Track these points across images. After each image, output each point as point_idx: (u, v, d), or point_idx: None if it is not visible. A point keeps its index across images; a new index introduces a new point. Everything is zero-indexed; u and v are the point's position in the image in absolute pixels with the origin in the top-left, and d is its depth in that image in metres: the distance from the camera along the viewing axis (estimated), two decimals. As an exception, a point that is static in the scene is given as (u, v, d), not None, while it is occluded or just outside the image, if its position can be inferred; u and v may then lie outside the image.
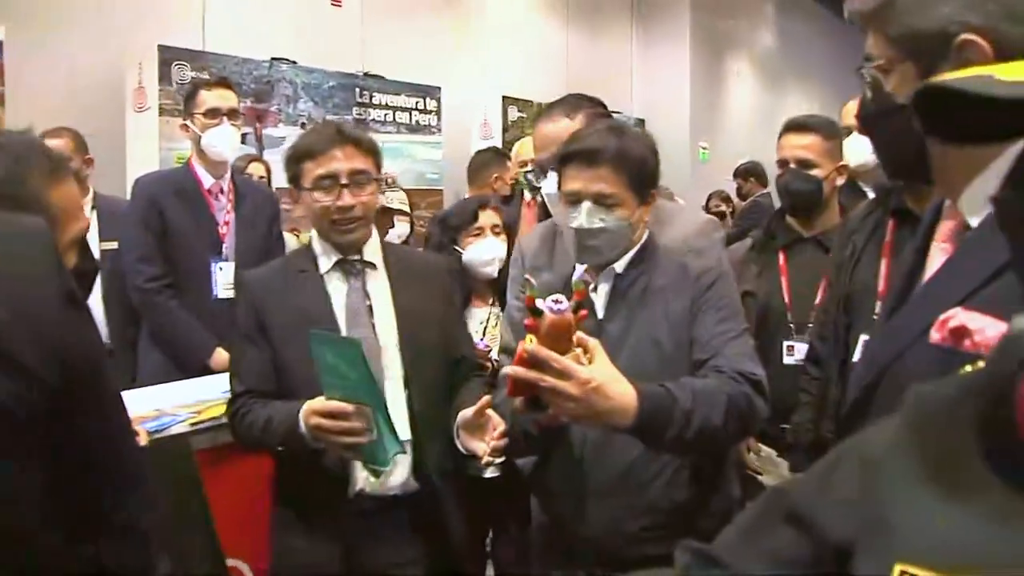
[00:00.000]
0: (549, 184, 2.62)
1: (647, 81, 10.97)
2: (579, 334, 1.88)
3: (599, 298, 2.25)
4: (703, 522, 2.09)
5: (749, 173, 8.28)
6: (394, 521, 2.41)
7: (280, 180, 6.02)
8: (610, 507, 2.14)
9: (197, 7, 6.19)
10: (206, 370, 3.66)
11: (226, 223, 3.91)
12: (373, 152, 2.48)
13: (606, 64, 10.28)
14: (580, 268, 2.04)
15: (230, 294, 3.67)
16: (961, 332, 1.13)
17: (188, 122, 3.94)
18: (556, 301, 1.83)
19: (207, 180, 3.90)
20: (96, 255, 2.95)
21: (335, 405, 2.17)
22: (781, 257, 3.36)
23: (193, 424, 2.79)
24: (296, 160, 2.47)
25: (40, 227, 0.79)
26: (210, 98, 3.91)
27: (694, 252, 2.37)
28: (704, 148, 11.15)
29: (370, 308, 2.46)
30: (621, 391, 1.89)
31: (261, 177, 5.12)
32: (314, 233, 2.54)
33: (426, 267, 2.66)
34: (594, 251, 2.20)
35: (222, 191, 3.94)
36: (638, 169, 2.20)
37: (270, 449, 2.45)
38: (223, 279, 3.82)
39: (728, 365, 2.09)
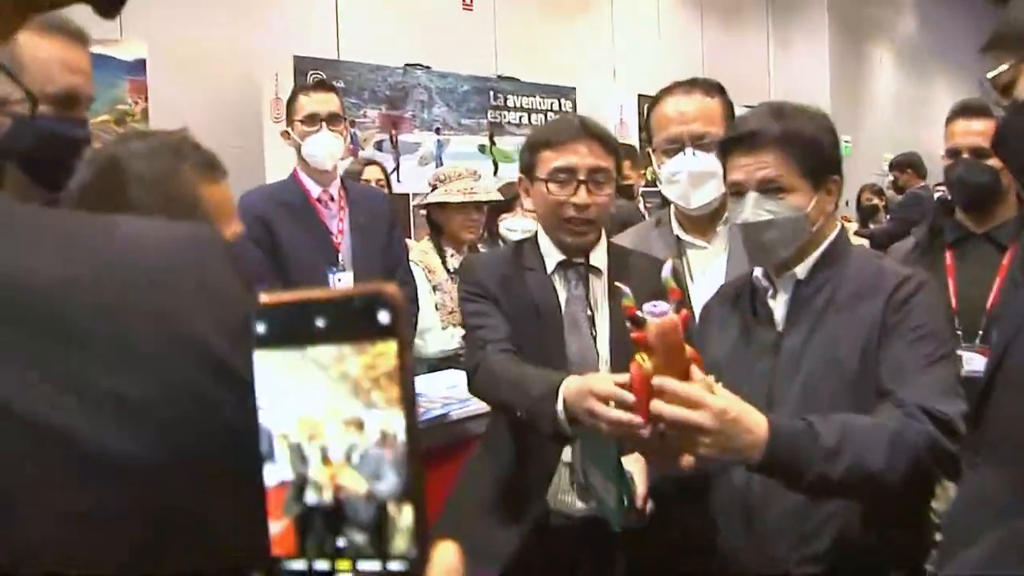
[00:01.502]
0: (676, 163, 2.45)
1: (785, 74, 10.61)
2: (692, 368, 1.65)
3: (778, 307, 1.99)
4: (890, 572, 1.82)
5: (906, 165, 7.90)
6: (573, 544, 2.21)
7: (405, 185, 6.13)
8: (773, 557, 1.86)
9: (330, 16, 6.19)
10: None
11: (340, 232, 3.68)
12: (615, 152, 2.29)
13: (742, 58, 9.97)
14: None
15: None
16: None
17: (289, 129, 3.75)
18: (653, 305, 1.65)
19: (314, 189, 3.67)
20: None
21: (624, 395, 1.76)
22: (948, 256, 3.03)
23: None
24: (533, 148, 2.28)
25: (213, 231, 0.67)
26: (308, 103, 3.70)
27: None
28: (847, 142, 10.70)
29: (591, 319, 2.24)
30: (757, 421, 1.64)
31: (379, 181, 4.90)
32: (540, 229, 2.35)
33: (648, 271, 2.24)
34: (765, 249, 1.95)
35: (332, 199, 3.70)
36: (810, 151, 1.94)
37: (507, 410, 2.17)
38: None
39: (912, 399, 1.74)
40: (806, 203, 1.93)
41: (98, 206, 1.43)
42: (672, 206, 2.61)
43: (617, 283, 1.77)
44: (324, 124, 3.63)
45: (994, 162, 2.89)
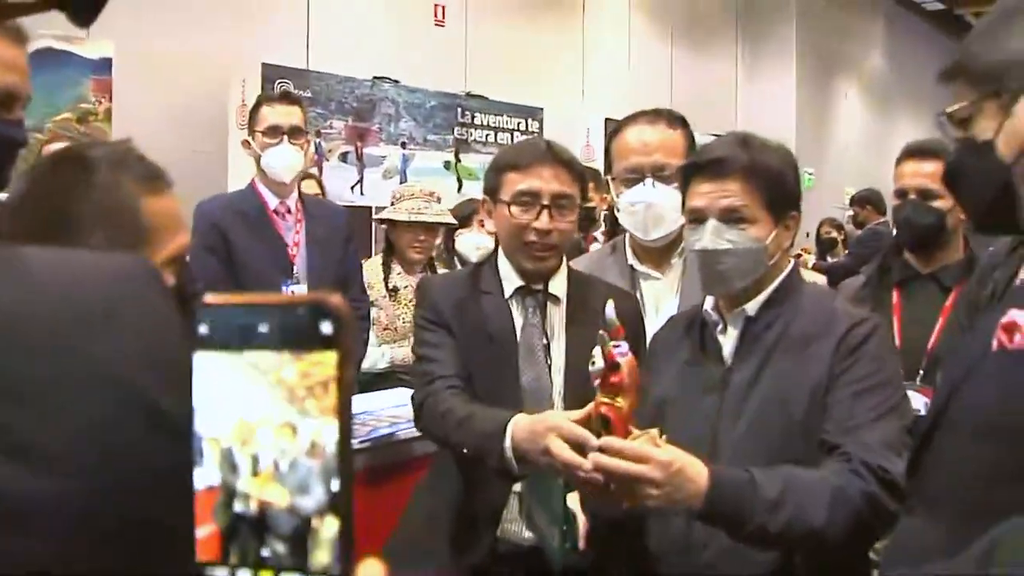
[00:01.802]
0: (636, 194, 2.42)
1: (752, 104, 10.71)
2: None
3: (727, 343, 1.94)
4: None
5: (866, 201, 7.95)
6: (519, 572, 2.20)
7: (369, 198, 6.11)
8: None
9: (301, 25, 6.17)
10: None
11: (296, 244, 3.63)
12: (581, 178, 2.24)
13: (710, 86, 10.06)
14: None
15: None
16: (1011, 327, 1.10)
17: (250, 138, 3.67)
18: (616, 346, 1.68)
19: (272, 200, 3.61)
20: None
21: (584, 435, 1.75)
22: (895, 295, 3.03)
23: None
24: (499, 170, 2.24)
25: (148, 265, 0.67)
26: (271, 115, 3.62)
27: None
28: (810, 174, 10.80)
29: (547, 347, 2.22)
30: (699, 471, 1.66)
31: (316, 195, 4.84)
32: (500, 252, 2.30)
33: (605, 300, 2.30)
34: (721, 278, 1.90)
35: (289, 211, 3.65)
36: (775, 184, 1.89)
37: (454, 447, 2.14)
38: None
39: (857, 455, 1.73)
40: (766, 235, 1.89)
41: (34, 218, 1.43)
42: (627, 235, 2.60)
43: (604, 324, 1.73)
44: (286, 137, 3.59)
45: (941, 204, 2.92)
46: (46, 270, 0.64)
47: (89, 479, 0.56)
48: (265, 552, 0.50)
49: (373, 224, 6.00)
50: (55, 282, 0.62)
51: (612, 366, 1.69)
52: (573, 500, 1.95)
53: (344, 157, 6.14)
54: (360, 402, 3.27)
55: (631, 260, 2.54)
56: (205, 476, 0.51)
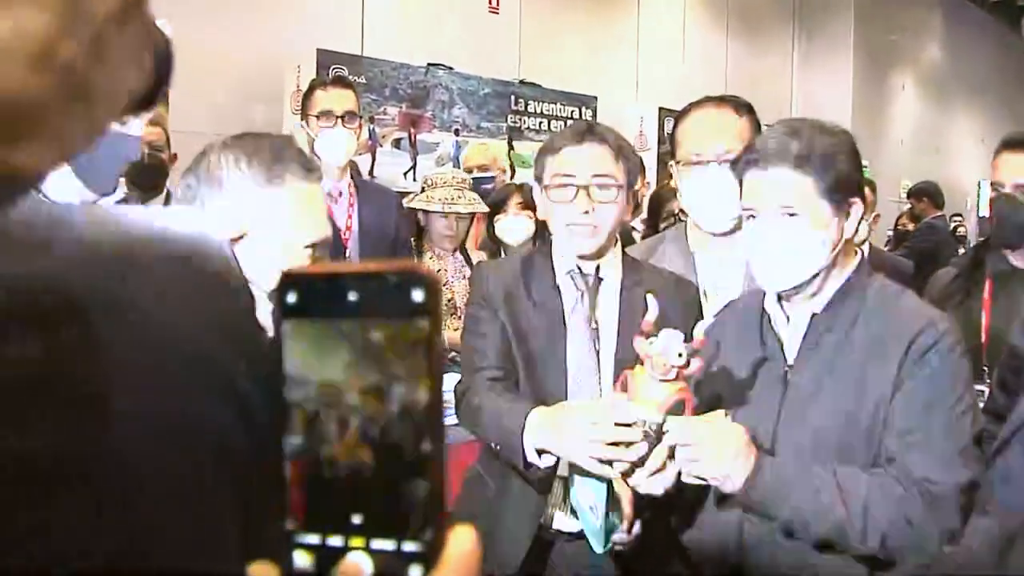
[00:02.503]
0: (699, 178, 2.41)
1: (807, 95, 10.58)
2: None
3: (789, 340, 1.89)
4: None
5: (923, 194, 7.82)
6: (566, 559, 2.17)
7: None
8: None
9: (356, 12, 6.17)
10: None
11: (348, 228, 3.64)
12: (625, 157, 2.20)
13: (765, 76, 9.94)
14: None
15: None
16: None
17: (303, 123, 3.72)
18: (674, 337, 1.76)
19: (325, 184, 3.64)
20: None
21: (609, 417, 1.82)
22: (987, 289, 2.98)
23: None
24: (541, 155, 2.25)
25: (216, 241, 0.68)
26: (325, 99, 3.65)
27: None
28: (865, 166, 10.65)
29: (596, 331, 2.19)
30: (752, 450, 1.74)
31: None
32: (553, 236, 2.30)
33: (667, 288, 2.22)
34: (780, 274, 1.85)
35: (341, 194, 3.66)
36: (828, 172, 1.82)
37: (485, 441, 2.18)
38: None
39: (909, 468, 1.71)
40: (823, 227, 1.82)
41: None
42: (688, 220, 2.57)
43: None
44: (339, 121, 3.60)
45: None
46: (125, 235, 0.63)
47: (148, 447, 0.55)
48: (356, 518, 0.49)
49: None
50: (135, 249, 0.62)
51: (694, 353, 1.73)
52: (618, 486, 1.93)
53: (397, 143, 6.14)
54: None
55: (693, 247, 2.50)
56: (293, 443, 0.50)
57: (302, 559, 0.49)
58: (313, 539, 0.49)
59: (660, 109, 8.26)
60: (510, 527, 2.15)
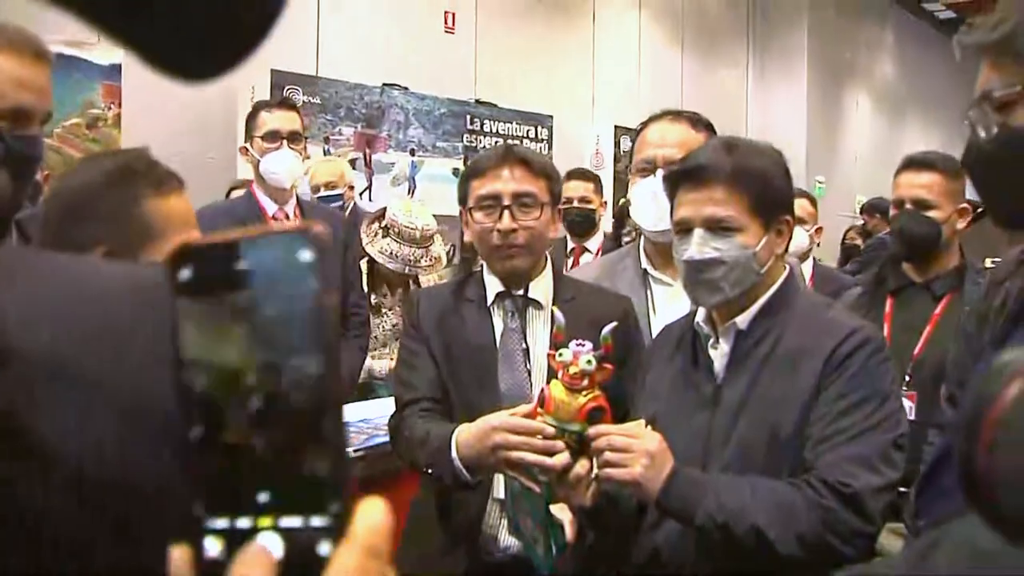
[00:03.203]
0: (645, 185, 2.42)
1: (763, 111, 10.69)
2: None
3: (718, 357, 1.91)
4: None
5: (875, 209, 7.90)
6: None
7: (377, 205, 6.05)
8: None
9: (311, 32, 6.17)
10: None
11: None
12: (546, 176, 2.24)
13: (721, 94, 10.04)
14: (610, 326, 1.80)
15: None
16: None
17: (248, 145, 3.68)
18: (580, 344, 1.79)
19: (270, 207, 3.60)
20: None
21: (527, 423, 1.86)
22: (888, 304, 3.12)
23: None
24: (465, 179, 2.27)
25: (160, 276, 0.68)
26: (270, 120, 3.63)
27: None
28: (820, 183, 10.77)
29: (526, 351, 2.22)
30: (670, 459, 1.76)
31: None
32: (483, 257, 2.33)
33: (603, 309, 2.22)
34: (708, 287, 1.86)
35: (288, 217, 3.64)
36: (761, 188, 1.84)
37: (418, 468, 2.19)
38: None
39: (819, 470, 1.71)
40: (755, 242, 1.84)
41: (52, 220, 1.58)
42: (642, 239, 2.60)
43: (606, 329, 1.79)
44: (284, 142, 3.59)
45: (937, 214, 2.98)
46: (62, 281, 0.63)
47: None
48: (262, 497, 0.49)
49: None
50: (68, 296, 0.61)
51: (604, 359, 1.77)
52: (556, 508, 1.96)
53: (353, 164, 6.13)
54: (358, 410, 3.27)
55: (644, 264, 2.53)
56: (195, 430, 0.49)
57: (212, 545, 0.49)
58: (222, 523, 0.49)
59: (616, 127, 8.33)
60: (447, 552, 2.17)
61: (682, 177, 1.90)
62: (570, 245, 5.30)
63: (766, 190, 1.85)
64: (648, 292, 2.49)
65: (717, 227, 1.84)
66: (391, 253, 3.88)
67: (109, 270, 0.66)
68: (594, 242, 5.22)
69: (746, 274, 1.85)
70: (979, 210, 4.65)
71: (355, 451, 2.81)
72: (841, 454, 1.71)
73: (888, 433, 1.75)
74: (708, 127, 2.50)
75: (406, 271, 3.89)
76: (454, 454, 1.97)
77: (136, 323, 0.61)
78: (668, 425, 1.87)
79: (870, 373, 1.78)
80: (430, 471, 2.08)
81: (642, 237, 2.59)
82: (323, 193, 4.19)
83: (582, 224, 5.15)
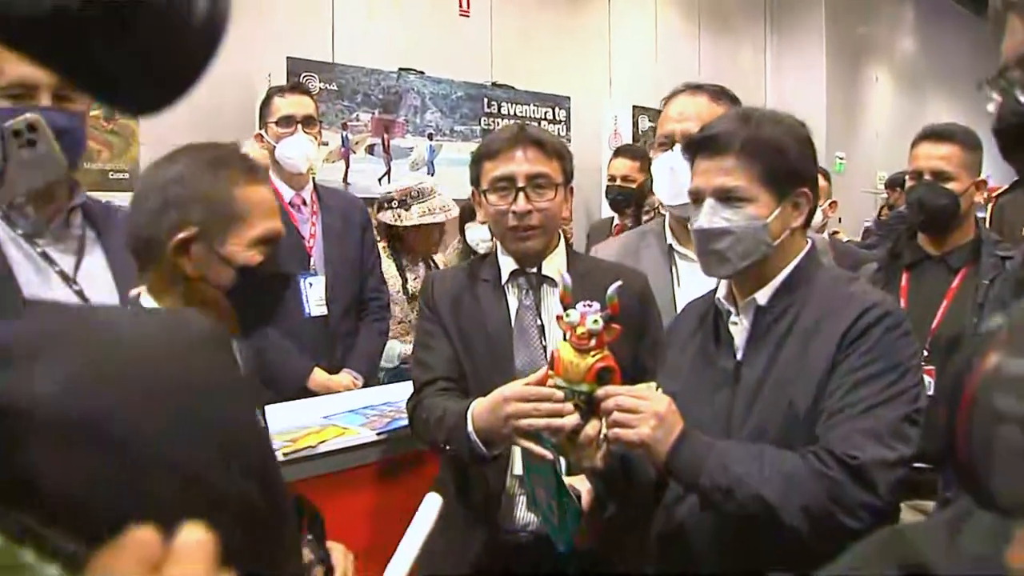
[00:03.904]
0: (664, 159, 2.46)
1: (781, 89, 10.61)
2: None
3: (739, 333, 1.91)
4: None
5: (897, 184, 7.85)
6: (525, 559, 2.20)
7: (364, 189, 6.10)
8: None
9: (326, 18, 6.16)
10: (303, 393, 3.42)
11: (312, 236, 3.66)
12: (559, 156, 2.27)
13: (739, 73, 9.97)
14: (615, 285, 1.82)
15: (322, 311, 3.52)
16: None
17: (262, 131, 3.72)
18: (588, 305, 1.83)
19: (287, 193, 3.65)
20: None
21: (537, 390, 1.90)
22: (904, 278, 3.12)
23: (287, 454, 2.52)
24: (477, 160, 2.30)
25: (206, 325, 0.70)
26: (284, 105, 3.68)
27: None
28: (841, 159, 10.71)
29: (541, 328, 2.24)
30: (679, 422, 1.78)
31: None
32: (498, 238, 2.38)
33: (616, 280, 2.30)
34: (718, 258, 1.86)
35: (304, 203, 3.68)
36: (774, 159, 1.82)
37: (436, 447, 2.24)
38: (314, 295, 3.57)
39: (827, 442, 1.70)
40: (766, 214, 1.83)
41: (147, 207, 1.67)
42: (667, 215, 2.60)
43: (612, 288, 1.81)
44: (299, 126, 3.61)
45: (954, 186, 2.97)
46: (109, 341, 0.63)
47: None
48: None
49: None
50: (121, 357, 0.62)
51: (611, 319, 1.80)
52: (574, 479, 2.00)
53: (371, 149, 6.14)
54: (382, 393, 3.28)
55: (670, 239, 2.53)
56: None
57: None
58: None
59: (634, 107, 8.28)
60: (467, 530, 2.19)
61: (696, 147, 1.92)
62: (615, 221, 5.31)
63: (779, 161, 1.84)
64: (673, 267, 2.50)
65: (728, 197, 1.84)
66: (428, 210, 4.00)
67: (156, 324, 0.68)
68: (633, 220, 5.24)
69: (756, 245, 1.84)
70: (1017, 179, 4.63)
71: (378, 434, 2.82)
72: (851, 427, 1.70)
73: (902, 408, 1.73)
74: (732, 99, 2.51)
75: (447, 218, 4.15)
76: (470, 428, 2.01)
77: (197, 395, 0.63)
78: (690, 402, 1.88)
79: (887, 347, 1.76)
80: (448, 448, 2.10)
81: (667, 213, 2.59)
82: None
83: (623, 202, 5.16)
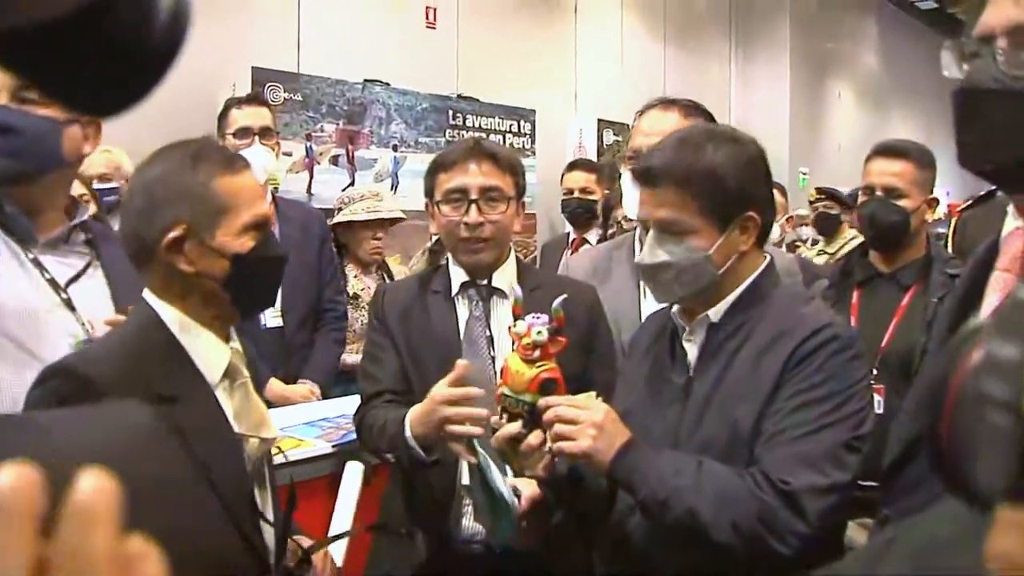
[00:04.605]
0: (628, 177, 2.46)
1: (745, 105, 10.71)
2: None
3: (692, 350, 1.89)
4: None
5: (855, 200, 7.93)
6: (475, 569, 2.22)
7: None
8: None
9: (292, 28, 6.16)
10: None
11: None
12: (512, 170, 2.30)
13: (704, 87, 10.05)
14: (561, 298, 1.85)
15: (278, 322, 3.52)
16: None
17: (220, 143, 3.70)
18: (536, 317, 1.84)
19: None
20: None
21: (461, 390, 1.97)
22: (855, 295, 3.11)
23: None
24: (431, 172, 2.32)
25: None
26: (241, 116, 3.69)
27: None
28: (804, 174, 10.82)
29: (490, 339, 2.27)
30: (624, 431, 1.78)
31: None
32: (449, 250, 2.39)
33: (567, 293, 2.25)
34: (664, 289, 1.87)
35: None
36: (713, 189, 1.78)
37: (381, 456, 2.29)
38: (270, 308, 3.55)
39: (762, 465, 1.69)
40: (708, 245, 1.79)
41: (133, 206, 1.71)
42: (638, 228, 2.63)
43: (557, 301, 1.83)
44: (256, 138, 3.60)
45: (906, 203, 2.97)
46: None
47: None
48: None
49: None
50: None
51: (557, 332, 1.83)
52: (524, 486, 2.03)
53: (335, 160, 6.14)
54: (337, 405, 3.29)
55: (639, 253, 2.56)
56: None
57: None
58: None
59: (599, 121, 8.34)
60: (416, 536, 2.22)
61: (637, 177, 1.89)
62: (571, 236, 5.33)
63: (719, 191, 1.79)
64: (641, 281, 2.52)
65: (668, 230, 1.82)
66: (375, 208, 4.05)
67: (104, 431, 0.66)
68: (594, 233, 5.25)
69: (700, 277, 1.82)
70: (981, 195, 4.67)
71: (333, 446, 2.83)
72: (787, 451, 1.68)
73: (842, 434, 1.70)
74: (705, 114, 2.50)
75: (391, 215, 4.25)
76: (408, 433, 2.04)
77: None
78: (644, 416, 1.89)
79: (833, 370, 1.73)
80: (391, 456, 2.14)
81: (638, 227, 2.62)
82: (97, 186, 3.78)
83: (583, 215, 5.18)
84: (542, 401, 1.79)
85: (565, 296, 1.86)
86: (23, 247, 2.01)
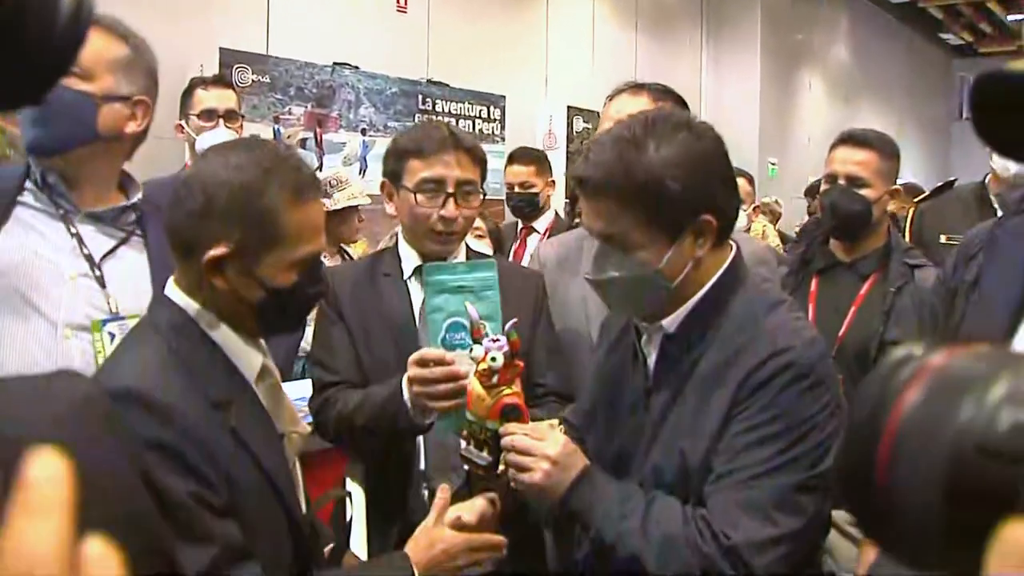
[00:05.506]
0: None
1: (716, 95, 10.75)
2: None
3: (651, 353, 1.77)
4: None
5: (815, 191, 7.96)
6: None
7: None
8: None
9: (261, 10, 6.11)
10: None
11: None
12: (482, 163, 2.28)
13: (674, 76, 10.05)
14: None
15: None
16: None
17: (183, 122, 3.65)
18: (495, 339, 1.80)
19: None
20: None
21: (435, 352, 1.97)
22: (813, 283, 3.10)
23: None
24: (401, 155, 2.25)
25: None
26: (206, 98, 3.64)
27: None
28: (773, 164, 10.88)
29: None
30: (579, 463, 1.73)
31: None
32: (400, 235, 2.37)
33: (515, 282, 2.27)
34: (616, 305, 1.82)
35: None
36: (657, 200, 1.59)
37: (353, 435, 2.19)
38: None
39: (711, 513, 1.57)
40: (657, 260, 1.63)
41: (185, 206, 1.57)
42: None
43: (509, 325, 1.82)
44: (221, 120, 3.56)
45: (869, 192, 2.97)
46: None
47: None
48: None
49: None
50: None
51: (513, 356, 1.79)
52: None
53: (303, 144, 6.11)
54: (296, 388, 3.27)
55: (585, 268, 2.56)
56: None
57: None
58: None
59: (569, 108, 8.34)
60: (379, 523, 2.21)
61: (579, 186, 1.72)
62: (519, 226, 5.35)
63: (664, 199, 1.60)
64: None
65: (611, 243, 1.67)
66: (351, 195, 4.10)
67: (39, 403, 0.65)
68: (542, 222, 5.25)
69: (652, 291, 1.67)
70: (938, 186, 4.68)
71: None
72: (732, 497, 1.57)
73: (795, 475, 1.57)
74: (677, 99, 2.45)
75: (368, 202, 4.29)
76: (407, 396, 2.02)
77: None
78: (606, 421, 1.87)
79: (785, 406, 1.58)
80: (367, 432, 2.11)
81: None
82: None
83: (525, 208, 5.21)
84: (502, 429, 1.76)
85: (516, 320, 1.83)
86: (64, 220, 1.98)
